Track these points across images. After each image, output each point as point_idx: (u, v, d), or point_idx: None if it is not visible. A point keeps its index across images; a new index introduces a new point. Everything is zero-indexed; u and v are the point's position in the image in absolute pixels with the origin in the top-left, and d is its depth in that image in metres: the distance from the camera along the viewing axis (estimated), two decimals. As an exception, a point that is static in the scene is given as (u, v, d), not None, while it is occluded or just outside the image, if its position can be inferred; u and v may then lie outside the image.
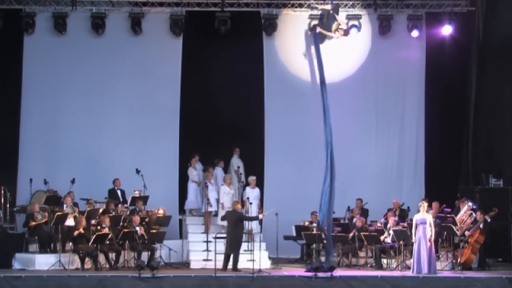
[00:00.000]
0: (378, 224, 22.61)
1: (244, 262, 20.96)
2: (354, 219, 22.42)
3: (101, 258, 20.97)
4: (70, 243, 21.03)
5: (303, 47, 24.86)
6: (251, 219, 21.83)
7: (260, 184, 23.73)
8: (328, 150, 21.58)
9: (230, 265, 20.82)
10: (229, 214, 21.32)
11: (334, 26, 22.85)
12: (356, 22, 24.57)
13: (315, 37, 22.99)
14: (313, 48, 23.47)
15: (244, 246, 21.55)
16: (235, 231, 20.92)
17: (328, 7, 23.22)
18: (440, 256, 21.68)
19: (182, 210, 23.89)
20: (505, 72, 24.56)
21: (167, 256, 22.29)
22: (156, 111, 24.69)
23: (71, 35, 24.59)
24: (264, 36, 24.90)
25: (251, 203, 22.19)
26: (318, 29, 23.28)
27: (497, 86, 24.86)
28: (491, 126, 24.98)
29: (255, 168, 24.05)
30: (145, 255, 21.29)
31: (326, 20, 23.00)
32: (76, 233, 20.70)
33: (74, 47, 24.60)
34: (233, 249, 20.82)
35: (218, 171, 23.62)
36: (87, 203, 22.16)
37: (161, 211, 22.79)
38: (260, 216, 21.90)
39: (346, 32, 23.39)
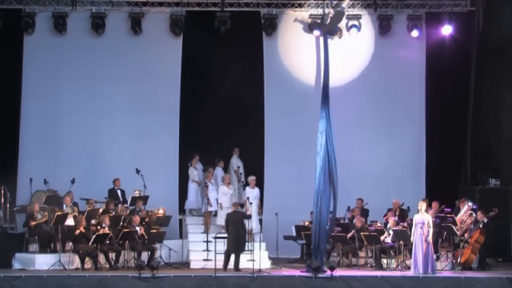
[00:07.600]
0: (378, 224, 22.60)
1: (244, 262, 20.95)
2: (354, 219, 22.43)
3: (101, 258, 20.97)
4: (70, 243, 21.04)
5: (303, 47, 24.87)
6: (248, 217, 21.77)
7: (260, 184, 23.72)
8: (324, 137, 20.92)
9: (230, 265, 20.82)
10: (233, 215, 21.25)
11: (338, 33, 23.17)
12: (356, 22, 24.60)
13: (325, 39, 22.49)
14: (321, 50, 23.07)
15: (244, 246, 21.61)
16: (241, 231, 20.90)
17: (334, 11, 23.04)
18: (440, 256, 21.69)
19: (182, 210, 23.90)
20: (504, 72, 24.55)
21: (167, 256, 22.28)
22: (156, 111, 24.69)
23: (71, 35, 24.59)
24: (264, 36, 24.89)
25: (251, 203, 22.18)
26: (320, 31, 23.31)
27: (495, 86, 24.86)
28: (489, 126, 24.96)
29: (255, 168, 24.04)
30: (145, 255, 21.28)
31: (329, 23, 22.77)
32: (77, 232, 20.70)
33: (74, 47, 24.60)
34: (239, 249, 20.81)
35: (218, 171, 23.62)
36: (87, 203, 22.17)
37: (161, 211, 22.80)
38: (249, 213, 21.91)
39: (341, 35, 24.05)
